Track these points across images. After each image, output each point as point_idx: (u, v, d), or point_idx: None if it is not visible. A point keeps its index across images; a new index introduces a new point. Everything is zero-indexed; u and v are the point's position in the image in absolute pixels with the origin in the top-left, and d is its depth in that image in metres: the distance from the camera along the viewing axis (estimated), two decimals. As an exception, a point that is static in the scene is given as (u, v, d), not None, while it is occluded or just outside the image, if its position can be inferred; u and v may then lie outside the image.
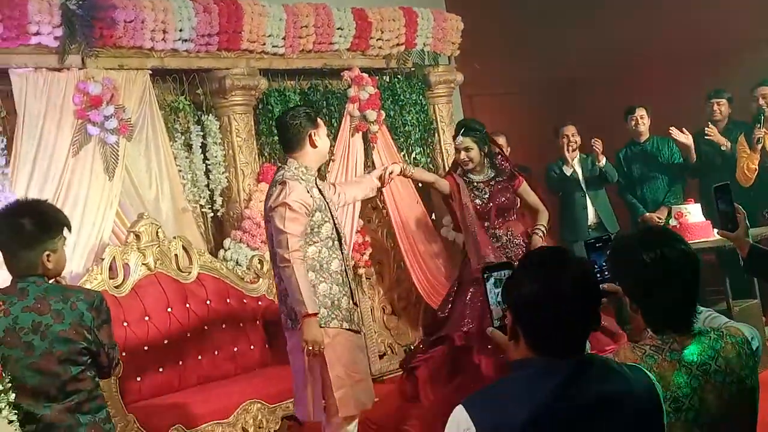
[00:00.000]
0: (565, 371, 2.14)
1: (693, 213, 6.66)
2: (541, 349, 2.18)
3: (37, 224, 3.46)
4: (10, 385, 3.27)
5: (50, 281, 3.51)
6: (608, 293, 2.65)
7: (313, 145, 4.70)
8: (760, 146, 7.24)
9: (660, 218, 7.53)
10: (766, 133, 7.27)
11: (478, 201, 5.76)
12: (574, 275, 2.19)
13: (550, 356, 2.17)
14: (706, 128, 7.58)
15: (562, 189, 7.91)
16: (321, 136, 4.73)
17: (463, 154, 5.75)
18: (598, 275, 2.67)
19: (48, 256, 3.47)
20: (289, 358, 4.75)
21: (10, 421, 3.25)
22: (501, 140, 7.67)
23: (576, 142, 7.81)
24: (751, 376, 2.49)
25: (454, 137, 5.87)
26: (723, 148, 7.52)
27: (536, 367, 2.17)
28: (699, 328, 2.51)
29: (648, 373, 2.28)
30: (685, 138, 7.57)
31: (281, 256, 4.50)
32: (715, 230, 6.45)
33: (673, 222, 6.69)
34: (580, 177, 7.83)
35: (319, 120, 4.77)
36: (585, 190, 7.82)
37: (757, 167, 7.24)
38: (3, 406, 3.22)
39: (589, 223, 7.75)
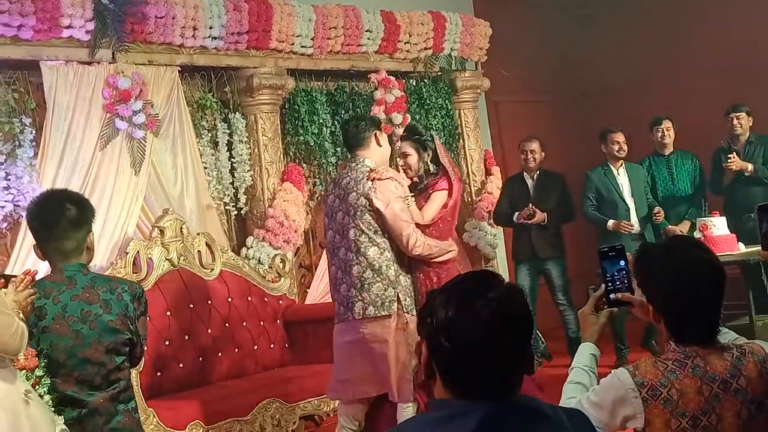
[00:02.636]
0: (482, 416, 1.84)
1: (718, 226, 6.63)
2: (454, 389, 1.89)
3: (78, 205, 3.56)
4: (45, 370, 3.34)
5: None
6: (621, 303, 2.63)
7: (379, 144, 4.96)
8: None
9: (682, 231, 7.43)
10: None
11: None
12: (497, 301, 1.87)
13: (467, 398, 1.87)
14: (728, 158, 7.40)
15: (604, 196, 7.55)
16: (384, 137, 5.01)
17: (400, 160, 5.32)
18: (610, 284, 2.65)
19: (91, 235, 3.59)
20: (354, 349, 4.82)
21: (52, 408, 3.33)
22: (534, 145, 7.63)
23: (624, 150, 7.53)
24: (770, 396, 2.47)
25: (401, 141, 5.44)
26: (747, 173, 7.41)
27: (450, 409, 1.87)
28: (722, 343, 2.49)
29: (590, 420, 2.08)
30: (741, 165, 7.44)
31: (413, 244, 4.78)
32: (740, 244, 6.51)
33: (698, 234, 6.65)
34: (626, 186, 7.54)
35: (381, 124, 5.13)
36: (629, 200, 7.51)
37: None
38: (44, 392, 3.29)
39: (632, 234, 7.37)
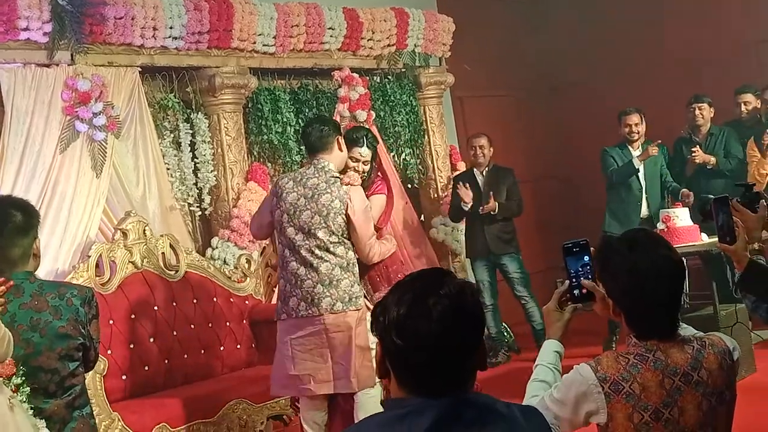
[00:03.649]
0: (436, 413, 1.84)
1: (681, 217, 6.67)
2: (409, 387, 1.88)
3: (24, 211, 3.50)
4: (24, 378, 3.30)
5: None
6: (586, 298, 2.61)
7: (340, 149, 5.02)
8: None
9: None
10: None
11: None
12: (448, 298, 1.87)
13: (421, 395, 1.87)
14: (692, 151, 7.50)
15: (619, 178, 7.50)
16: (343, 142, 5.06)
17: (361, 167, 5.21)
18: (574, 280, 2.65)
19: (38, 242, 3.53)
20: (314, 341, 4.86)
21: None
22: (483, 141, 7.67)
23: (638, 132, 7.52)
24: (731, 388, 2.49)
25: (357, 145, 5.21)
26: (709, 166, 7.48)
27: (406, 407, 1.87)
28: (683, 336, 2.51)
29: (545, 418, 2.08)
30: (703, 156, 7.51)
31: (373, 254, 4.99)
32: (703, 235, 6.56)
33: (661, 225, 6.69)
34: (641, 169, 7.49)
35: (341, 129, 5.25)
36: (643, 182, 7.50)
37: None
38: (24, 399, 3.25)
39: (641, 217, 7.42)
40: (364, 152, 5.21)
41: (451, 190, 7.89)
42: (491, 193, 7.47)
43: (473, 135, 7.84)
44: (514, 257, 7.59)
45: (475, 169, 7.72)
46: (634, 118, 7.50)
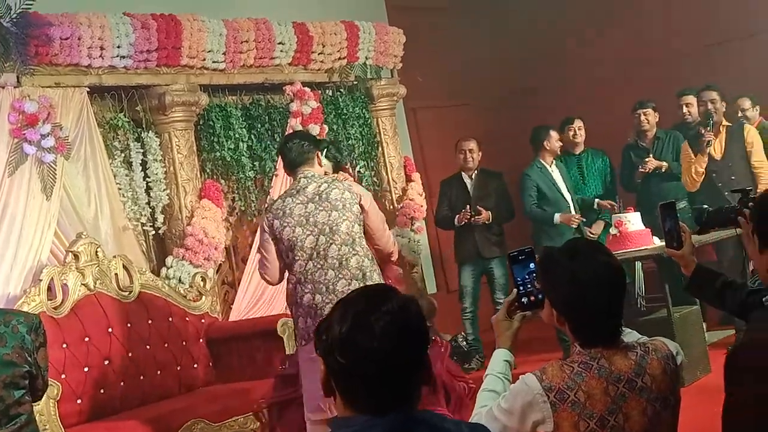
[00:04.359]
0: (382, 431, 1.84)
1: (633, 221, 6.74)
2: (354, 406, 1.88)
3: None
4: None
5: None
6: (534, 306, 2.63)
7: (319, 164, 5.03)
8: (709, 149, 7.27)
9: (593, 233, 7.53)
10: (715, 137, 7.32)
11: None
12: (391, 314, 1.87)
13: (367, 413, 1.86)
14: (645, 162, 7.59)
15: (545, 193, 7.50)
16: (322, 157, 5.08)
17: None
18: (521, 288, 2.67)
19: None
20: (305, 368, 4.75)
21: None
22: (472, 144, 7.68)
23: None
24: (675, 392, 2.52)
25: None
26: (663, 170, 7.58)
27: (352, 426, 1.87)
28: (626, 342, 2.53)
29: None
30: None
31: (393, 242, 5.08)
32: (655, 238, 6.63)
33: (613, 231, 6.75)
34: (561, 181, 7.56)
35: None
36: (566, 194, 7.54)
37: (704, 171, 7.31)
38: None
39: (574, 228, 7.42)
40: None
41: (406, 200, 7.91)
42: (480, 204, 7.51)
43: (461, 138, 7.84)
44: (503, 261, 7.51)
45: (463, 173, 7.75)
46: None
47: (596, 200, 7.63)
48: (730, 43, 8.97)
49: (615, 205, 7.41)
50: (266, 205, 4.95)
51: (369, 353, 1.84)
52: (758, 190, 6.86)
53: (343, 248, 4.76)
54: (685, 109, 7.78)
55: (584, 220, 7.46)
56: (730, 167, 7.34)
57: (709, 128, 7.29)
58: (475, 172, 7.71)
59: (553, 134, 7.57)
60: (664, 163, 7.58)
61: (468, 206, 7.52)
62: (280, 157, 5.13)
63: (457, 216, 7.52)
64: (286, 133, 6.58)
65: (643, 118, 7.77)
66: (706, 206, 3.71)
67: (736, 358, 2.23)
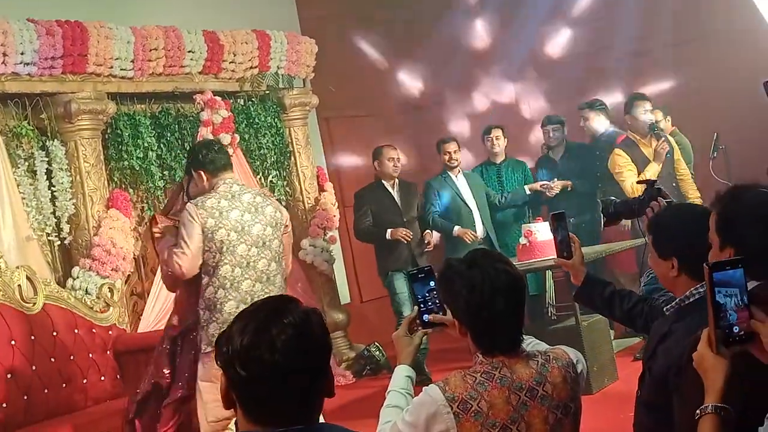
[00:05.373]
0: None
1: (541, 231, 6.81)
2: (256, 418, 1.86)
3: None
4: None
5: None
6: (435, 324, 2.68)
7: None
8: (665, 156, 7.24)
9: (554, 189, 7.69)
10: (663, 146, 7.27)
11: None
12: (293, 327, 1.86)
13: (269, 426, 1.85)
14: (547, 186, 7.70)
15: (447, 203, 7.58)
16: None
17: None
18: (422, 306, 2.70)
19: None
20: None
21: None
22: (393, 153, 7.58)
23: (456, 160, 7.65)
24: (575, 400, 2.56)
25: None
26: (569, 189, 7.70)
27: None
28: (527, 351, 2.56)
29: None
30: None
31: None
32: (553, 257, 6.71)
33: (523, 240, 6.83)
34: (467, 191, 7.63)
35: None
36: (471, 204, 7.62)
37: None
38: None
39: (480, 238, 7.50)
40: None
41: (319, 210, 7.90)
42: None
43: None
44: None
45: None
46: (453, 146, 7.68)
47: (526, 187, 7.77)
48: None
49: (550, 184, 7.60)
50: (191, 201, 4.80)
51: (270, 366, 1.82)
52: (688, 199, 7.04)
53: (272, 264, 4.84)
54: (582, 122, 7.84)
55: (478, 238, 7.49)
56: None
57: (663, 138, 7.24)
58: (396, 180, 7.52)
59: (444, 147, 7.67)
60: (569, 183, 7.69)
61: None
62: (195, 159, 4.92)
63: (391, 230, 7.26)
64: (198, 141, 6.50)
65: (552, 134, 7.88)
66: (613, 198, 3.81)
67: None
